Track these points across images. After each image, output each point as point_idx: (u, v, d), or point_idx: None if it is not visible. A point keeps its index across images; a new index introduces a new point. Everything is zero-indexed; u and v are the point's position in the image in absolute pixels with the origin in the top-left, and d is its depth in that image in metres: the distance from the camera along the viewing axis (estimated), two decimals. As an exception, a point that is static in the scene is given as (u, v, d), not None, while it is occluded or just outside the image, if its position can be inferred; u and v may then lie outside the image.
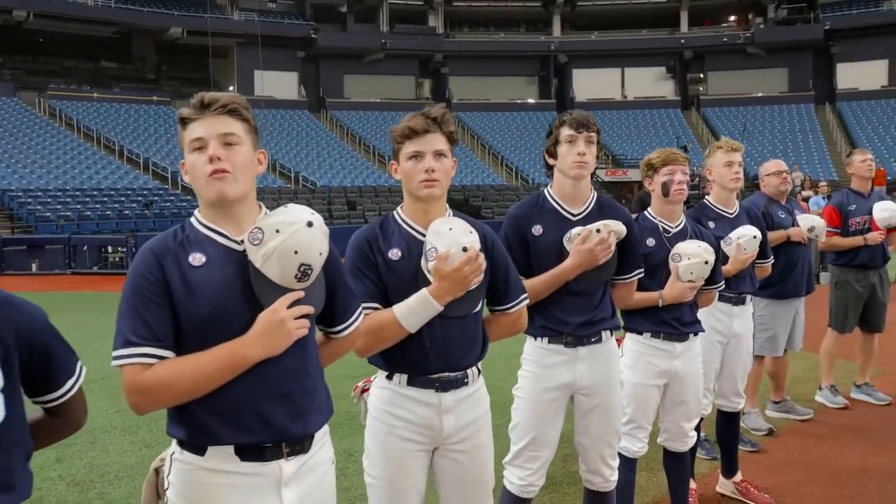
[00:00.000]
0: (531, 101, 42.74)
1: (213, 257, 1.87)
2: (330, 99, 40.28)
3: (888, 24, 38.32)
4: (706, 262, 3.31)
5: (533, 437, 2.92)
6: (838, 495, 4.29)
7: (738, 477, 4.26)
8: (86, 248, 18.63)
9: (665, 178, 3.39)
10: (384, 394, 2.39)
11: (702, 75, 42.30)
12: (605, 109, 40.70)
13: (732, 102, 40.05)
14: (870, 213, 5.92)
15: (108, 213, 21.76)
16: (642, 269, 3.18)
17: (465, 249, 2.27)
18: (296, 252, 1.84)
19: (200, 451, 1.85)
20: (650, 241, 3.32)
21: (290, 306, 1.85)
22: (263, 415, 1.85)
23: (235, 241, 1.90)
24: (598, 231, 2.86)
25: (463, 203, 28.11)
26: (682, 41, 41.62)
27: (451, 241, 2.29)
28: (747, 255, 3.99)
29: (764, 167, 5.35)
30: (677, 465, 3.66)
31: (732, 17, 43.69)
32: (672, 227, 3.44)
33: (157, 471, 2.04)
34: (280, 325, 1.82)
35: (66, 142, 29.93)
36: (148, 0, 39.07)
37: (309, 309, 1.89)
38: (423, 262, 2.34)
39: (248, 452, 1.84)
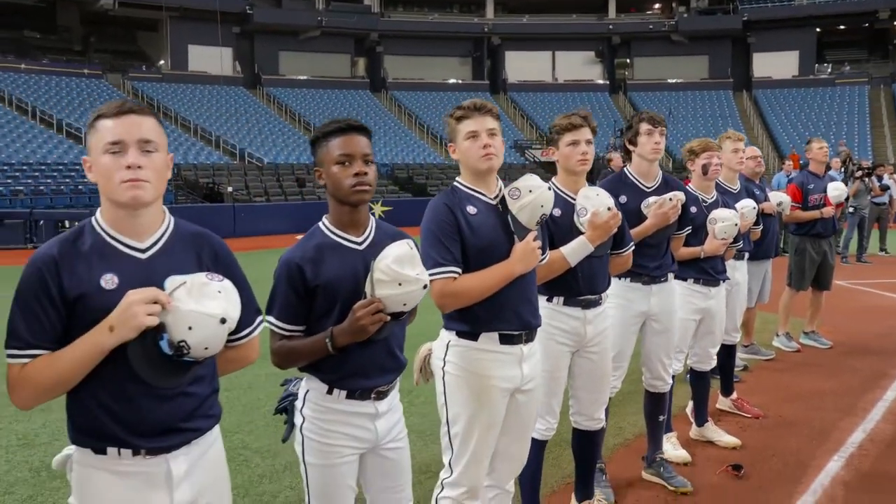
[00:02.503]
0: (465, 81, 43.69)
1: (481, 210, 2.80)
2: (265, 76, 40.21)
3: (799, 18, 40.89)
4: (735, 224, 4.43)
5: (618, 351, 3.96)
6: (804, 407, 5.57)
7: (734, 395, 5.46)
8: (42, 222, 18.70)
9: (704, 161, 4.49)
10: (544, 312, 3.34)
11: (628, 60, 44.16)
12: (536, 91, 42.15)
13: (657, 87, 42.02)
14: (825, 191, 7.21)
15: (60, 188, 21.73)
16: (690, 228, 4.28)
17: (609, 209, 3.29)
18: (542, 206, 2.82)
19: (474, 337, 2.80)
20: (693, 209, 4.39)
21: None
22: (519, 313, 2.82)
23: (489, 198, 2.83)
24: (670, 199, 3.92)
25: (408, 181, 28.88)
26: (611, 27, 43.30)
27: (599, 203, 3.30)
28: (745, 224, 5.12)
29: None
30: (702, 381, 4.82)
31: (657, 5, 45.66)
32: (708, 199, 4.55)
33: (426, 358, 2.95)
34: (532, 251, 2.77)
35: (1, 114, 29.27)
36: (77, -33, 38.01)
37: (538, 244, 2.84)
38: (575, 217, 3.34)
39: (505, 338, 2.81)
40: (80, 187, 21.53)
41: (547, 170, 30.46)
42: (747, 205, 5.12)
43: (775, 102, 39.57)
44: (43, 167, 23.83)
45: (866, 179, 13.61)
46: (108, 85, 35.81)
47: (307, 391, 2.43)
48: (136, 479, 1.94)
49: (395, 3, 44.98)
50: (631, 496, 4.08)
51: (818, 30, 41.77)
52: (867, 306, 9.71)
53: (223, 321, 1.84)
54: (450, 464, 2.82)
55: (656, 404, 4.25)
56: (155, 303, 1.80)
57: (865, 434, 4.97)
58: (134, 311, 1.79)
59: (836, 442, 4.82)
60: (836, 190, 7.24)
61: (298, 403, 2.44)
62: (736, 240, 4.67)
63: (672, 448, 4.54)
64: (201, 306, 1.82)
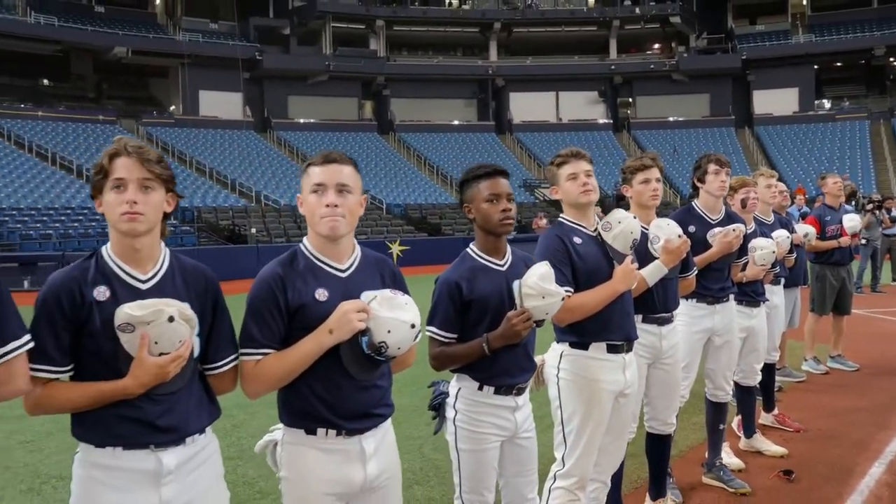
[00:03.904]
0: (470, 122, 44.56)
1: (585, 240, 3.28)
2: (275, 119, 41.06)
3: (797, 56, 41.86)
4: (773, 252, 4.92)
5: (686, 364, 4.39)
6: (841, 422, 5.97)
7: (776, 411, 5.88)
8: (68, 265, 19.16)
9: (742, 196, 4.99)
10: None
11: (630, 99, 45.09)
12: (541, 131, 42.93)
13: (660, 125, 42.85)
14: (840, 222, 7.71)
15: (88, 231, 22.33)
16: (748, 257, 4.78)
17: (679, 236, 3.77)
18: (631, 233, 3.30)
19: (585, 347, 3.25)
20: (742, 239, 4.87)
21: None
22: (622, 326, 3.28)
23: (590, 230, 3.30)
24: (733, 230, 4.41)
25: (422, 221, 29.41)
26: (612, 67, 44.31)
27: (671, 231, 3.78)
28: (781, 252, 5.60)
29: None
30: (748, 395, 5.25)
31: (657, 45, 46.74)
32: (748, 230, 5.04)
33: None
34: (631, 272, 3.23)
35: (21, 161, 29.99)
36: (90, 19, 39.07)
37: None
38: (649, 244, 3.80)
39: (612, 347, 3.26)
40: (104, 230, 22.08)
41: (556, 208, 31.08)
42: (781, 234, 5.60)
43: (777, 138, 40.33)
44: (68, 211, 24.45)
45: (877, 212, 14.12)
46: (123, 130, 36.55)
47: (459, 389, 2.88)
48: (338, 455, 2.38)
49: (401, 47, 46.04)
50: (696, 497, 4.49)
51: (816, 67, 42.71)
52: (886, 332, 10.15)
53: (413, 326, 2.31)
54: (563, 458, 3.27)
55: (718, 413, 4.70)
56: (362, 311, 2.27)
57: (901, 443, 5.39)
58: (349, 317, 2.26)
59: (875, 451, 5.24)
60: (852, 221, 7.79)
61: (450, 400, 2.90)
62: (773, 265, 5.14)
63: (727, 456, 4.95)
64: (396, 314, 2.29)
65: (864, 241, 13.77)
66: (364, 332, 2.29)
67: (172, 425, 2.15)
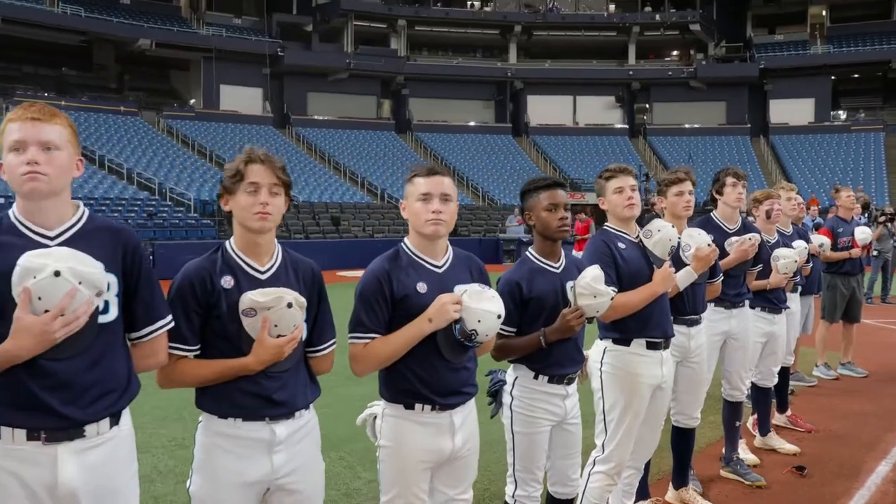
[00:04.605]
0: (487, 123, 44.88)
1: (628, 246, 3.64)
2: (294, 116, 41.44)
3: (814, 66, 42.00)
4: (795, 261, 5.26)
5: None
6: (850, 424, 6.33)
7: (789, 412, 6.22)
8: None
9: (767, 208, 5.34)
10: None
11: (647, 105, 45.34)
12: (557, 135, 43.21)
13: (675, 132, 43.04)
14: (852, 234, 8.04)
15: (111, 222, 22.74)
16: (762, 265, 5.11)
17: (708, 245, 4.12)
18: (670, 240, 3.66)
19: (626, 343, 3.61)
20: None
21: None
22: (661, 324, 3.66)
23: (632, 238, 3.67)
24: (749, 239, 4.75)
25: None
26: (630, 73, 44.55)
27: (701, 240, 4.13)
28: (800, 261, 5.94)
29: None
30: (765, 396, 5.60)
31: (675, 52, 46.95)
32: (771, 240, 5.38)
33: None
34: (670, 276, 3.60)
35: (44, 150, 30.46)
36: (116, 11, 39.61)
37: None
38: (680, 252, 4.15)
39: (651, 344, 3.62)
40: (129, 221, 22.55)
41: (573, 212, 31.38)
42: (800, 245, 5.94)
43: (792, 148, 40.48)
44: (91, 201, 24.88)
45: (889, 224, 14.40)
46: (144, 122, 37.05)
47: (516, 377, 3.26)
48: (432, 428, 2.77)
49: (421, 48, 46.39)
50: (715, 488, 4.85)
51: (833, 78, 42.85)
52: (894, 342, 10.45)
53: (499, 317, 2.69)
54: (603, 445, 3.64)
55: (734, 412, 5.05)
56: (456, 303, 2.64)
57: (907, 446, 5.73)
58: (447, 308, 2.65)
59: (882, 451, 5.58)
60: (863, 233, 8.14)
61: (507, 387, 3.28)
62: (795, 274, 5.49)
63: (743, 452, 5.30)
64: (485, 305, 2.67)
65: (875, 253, 14.07)
66: (457, 320, 2.67)
67: (285, 400, 2.48)
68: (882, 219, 14.58)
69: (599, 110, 44.80)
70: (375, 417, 2.87)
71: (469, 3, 47.02)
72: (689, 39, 45.37)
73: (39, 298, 2.02)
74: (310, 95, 42.64)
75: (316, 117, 42.03)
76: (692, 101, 43.40)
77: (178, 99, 43.13)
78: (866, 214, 18.35)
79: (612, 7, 46.23)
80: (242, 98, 40.77)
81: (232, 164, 2.48)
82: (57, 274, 2.01)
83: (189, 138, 35.69)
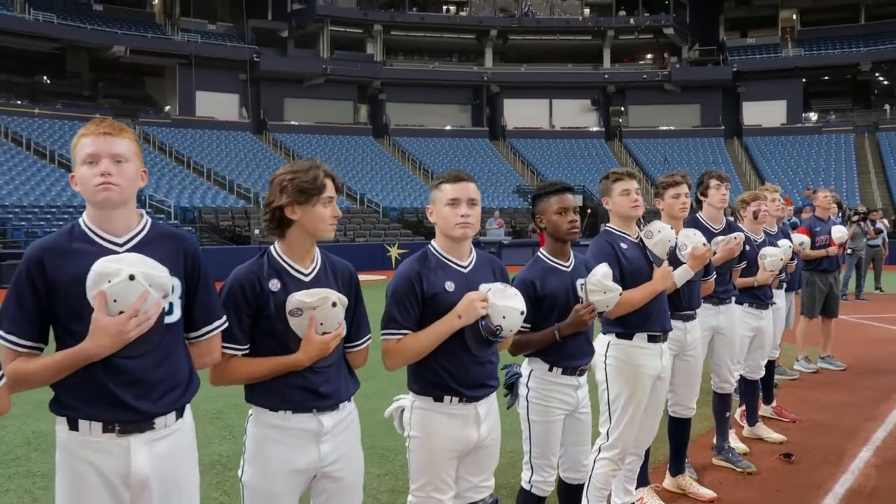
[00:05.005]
0: (464, 127, 45.15)
1: (630, 246, 3.86)
2: (271, 121, 41.41)
3: (786, 69, 42.76)
4: (781, 259, 5.53)
5: None
6: (832, 415, 6.66)
7: (775, 403, 6.49)
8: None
9: (754, 209, 5.60)
10: None
11: (623, 108, 45.87)
12: (534, 138, 43.58)
13: (651, 135, 43.58)
14: (829, 233, 8.36)
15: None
16: (745, 262, 5.37)
17: (704, 245, 4.36)
18: (669, 241, 3.89)
19: (629, 337, 3.84)
20: (747, 247, 5.47)
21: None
22: (660, 319, 3.88)
23: (633, 238, 3.89)
24: (734, 238, 5.00)
25: (418, 224, 29.97)
26: (606, 76, 45.02)
27: (697, 240, 4.36)
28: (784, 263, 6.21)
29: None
30: (752, 388, 5.86)
31: (650, 56, 47.55)
32: (758, 239, 5.64)
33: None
34: (669, 274, 3.83)
35: (20, 158, 30.27)
36: (89, 17, 39.35)
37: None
38: (677, 251, 4.39)
39: (651, 337, 3.85)
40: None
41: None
42: (785, 243, 6.21)
43: (765, 149, 41.16)
44: (71, 209, 24.79)
45: (862, 224, 14.84)
46: (120, 129, 36.75)
47: (531, 370, 3.47)
48: (459, 419, 2.96)
49: (397, 52, 46.51)
50: (708, 476, 5.09)
51: (804, 80, 43.63)
52: (870, 337, 10.85)
53: (522, 313, 2.90)
54: (607, 433, 3.86)
55: (723, 403, 5.30)
56: (483, 300, 2.84)
57: (887, 433, 6.04)
58: (475, 305, 2.84)
59: (863, 438, 5.87)
60: (839, 232, 8.48)
61: (523, 379, 3.49)
62: (780, 271, 5.76)
63: (732, 441, 5.54)
64: (509, 302, 2.87)
65: (849, 252, 14.47)
66: (483, 317, 2.86)
67: (330, 392, 2.66)
68: (855, 218, 15.01)
69: (575, 113, 45.21)
70: (403, 410, 3.06)
71: (445, 7, 47.24)
72: (663, 43, 45.95)
73: (115, 301, 2.17)
74: (286, 101, 42.58)
75: (293, 123, 42.02)
76: (667, 103, 43.94)
77: (154, 106, 42.90)
78: (840, 214, 18.82)
79: (586, 11, 46.64)
80: (219, 104, 40.64)
81: (307, 176, 2.62)
82: (132, 278, 2.16)
83: (166, 145, 35.57)
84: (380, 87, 43.78)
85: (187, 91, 40.12)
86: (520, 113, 44.48)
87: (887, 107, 43.30)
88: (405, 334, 2.89)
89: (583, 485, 3.61)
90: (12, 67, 38.84)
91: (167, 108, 42.05)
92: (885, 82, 44.83)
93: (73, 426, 2.26)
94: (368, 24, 43.91)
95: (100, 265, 2.20)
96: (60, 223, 23.32)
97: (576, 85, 44.83)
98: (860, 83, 44.84)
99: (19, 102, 36.55)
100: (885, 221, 18.76)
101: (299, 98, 42.59)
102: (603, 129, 44.95)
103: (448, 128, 44.52)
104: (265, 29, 43.21)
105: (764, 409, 6.48)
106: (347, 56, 43.54)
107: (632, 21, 44.78)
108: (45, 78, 41.13)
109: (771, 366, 6.42)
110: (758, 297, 5.60)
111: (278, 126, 41.13)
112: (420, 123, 43.89)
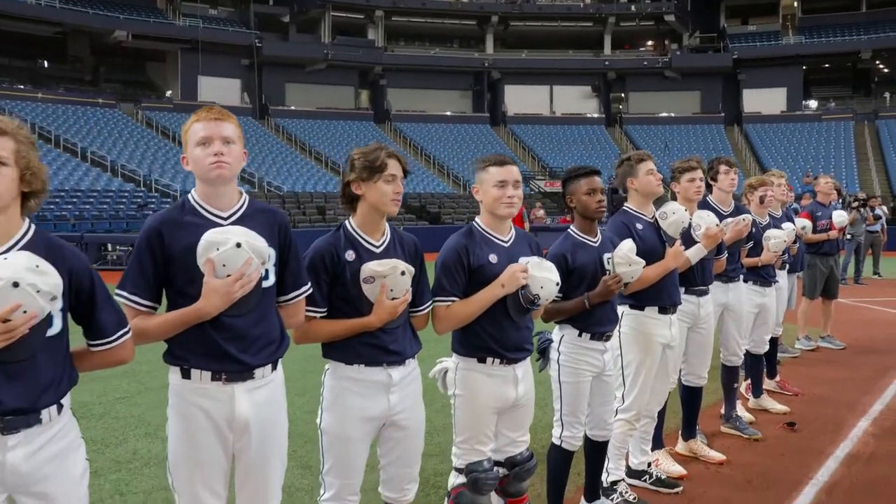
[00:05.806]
0: (465, 113, 45.34)
1: (645, 226, 4.17)
2: (272, 107, 41.51)
3: (786, 56, 43.00)
4: (784, 241, 5.85)
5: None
6: (832, 389, 6.99)
7: (778, 377, 6.83)
8: (87, 245, 19.92)
9: (761, 193, 5.90)
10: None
11: (623, 95, 46.09)
12: (535, 124, 43.81)
13: (651, 121, 43.85)
14: (830, 218, 8.68)
15: (101, 213, 22.99)
16: (752, 242, 5.69)
17: (717, 225, 4.66)
18: (683, 222, 4.19)
19: (641, 308, 4.15)
20: (753, 229, 5.78)
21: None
22: (670, 293, 4.19)
23: (649, 218, 4.19)
24: (743, 219, 5.31)
25: (422, 209, 30.25)
26: (606, 63, 45.23)
27: (710, 220, 4.66)
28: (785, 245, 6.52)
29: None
30: (757, 362, 6.18)
31: (650, 43, 47.71)
32: (763, 222, 5.95)
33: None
34: (681, 253, 4.14)
35: (27, 142, 30.39)
36: (91, 2, 39.37)
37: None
38: (691, 231, 4.69)
39: (662, 309, 4.16)
40: (119, 214, 22.77)
41: (552, 200, 32.02)
42: (788, 226, 6.52)
43: (765, 136, 41.43)
44: (79, 193, 25.06)
45: (861, 210, 15.15)
46: (122, 114, 36.99)
47: (562, 336, 3.79)
48: (499, 379, 3.27)
49: (399, 38, 46.62)
50: (718, 442, 5.42)
51: (804, 68, 43.84)
52: (869, 319, 11.20)
53: (557, 284, 3.23)
54: (623, 396, 4.18)
55: (731, 375, 5.62)
56: (524, 272, 3.15)
57: (884, 405, 6.37)
58: (517, 276, 3.16)
59: (861, 410, 6.20)
60: (840, 216, 8.79)
61: (555, 344, 3.80)
62: (783, 253, 6.08)
63: (740, 411, 5.88)
64: (546, 274, 3.19)
65: (848, 237, 14.80)
66: (523, 287, 3.17)
67: (398, 350, 2.98)
68: (855, 204, 15.31)
69: (576, 100, 45.45)
70: (446, 372, 3.37)
71: (446, -7, 47.32)
72: (663, 30, 46.11)
73: (224, 265, 2.48)
74: (288, 86, 42.70)
75: (294, 108, 42.17)
76: (667, 90, 44.18)
77: (155, 90, 43.01)
78: (840, 201, 19.15)
79: (588, -2, 46.86)
80: (221, 89, 40.57)
81: (371, 156, 2.92)
82: (238, 245, 2.48)
83: (169, 130, 35.73)
84: (381, 72, 43.94)
85: (189, 76, 40.21)
86: (520, 99, 44.72)
87: (887, 95, 43.61)
88: (454, 300, 3.19)
89: (607, 441, 3.95)
90: (13, 51, 38.76)
91: (169, 92, 42.18)
92: (886, 70, 45.05)
93: (186, 375, 2.58)
94: (370, 10, 43.99)
95: (209, 235, 2.51)
96: (69, 206, 23.62)
97: (576, 71, 45.07)
98: (860, 71, 45.08)
99: (22, 87, 36.61)
100: (884, 208, 19.09)
101: (301, 83, 42.71)
102: (603, 116, 45.20)
103: (449, 113, 44.71)
104: (267, 14, 43.27)
105: (768, 384, 6.80)
106: (349, 41, 43.67)
107: (633, 8, 44.98)
108: (46, 62, 41.15)
109: (774, 342, 6.74)
110: (762, 276, 5.92)
111: (280, 111, 41.28)
112: (421, 109, 44.09)
